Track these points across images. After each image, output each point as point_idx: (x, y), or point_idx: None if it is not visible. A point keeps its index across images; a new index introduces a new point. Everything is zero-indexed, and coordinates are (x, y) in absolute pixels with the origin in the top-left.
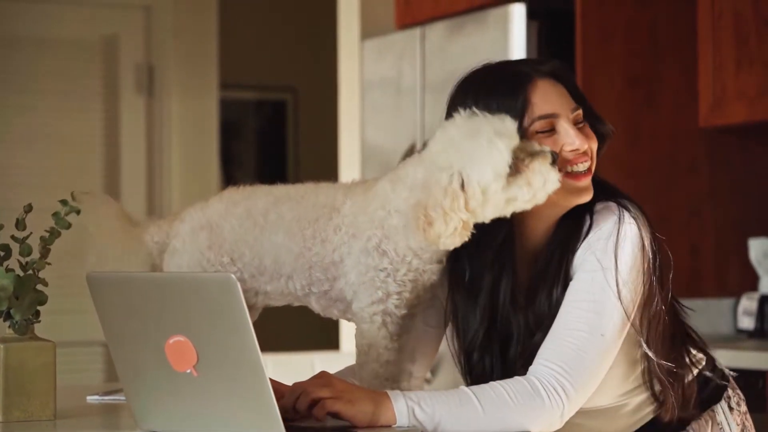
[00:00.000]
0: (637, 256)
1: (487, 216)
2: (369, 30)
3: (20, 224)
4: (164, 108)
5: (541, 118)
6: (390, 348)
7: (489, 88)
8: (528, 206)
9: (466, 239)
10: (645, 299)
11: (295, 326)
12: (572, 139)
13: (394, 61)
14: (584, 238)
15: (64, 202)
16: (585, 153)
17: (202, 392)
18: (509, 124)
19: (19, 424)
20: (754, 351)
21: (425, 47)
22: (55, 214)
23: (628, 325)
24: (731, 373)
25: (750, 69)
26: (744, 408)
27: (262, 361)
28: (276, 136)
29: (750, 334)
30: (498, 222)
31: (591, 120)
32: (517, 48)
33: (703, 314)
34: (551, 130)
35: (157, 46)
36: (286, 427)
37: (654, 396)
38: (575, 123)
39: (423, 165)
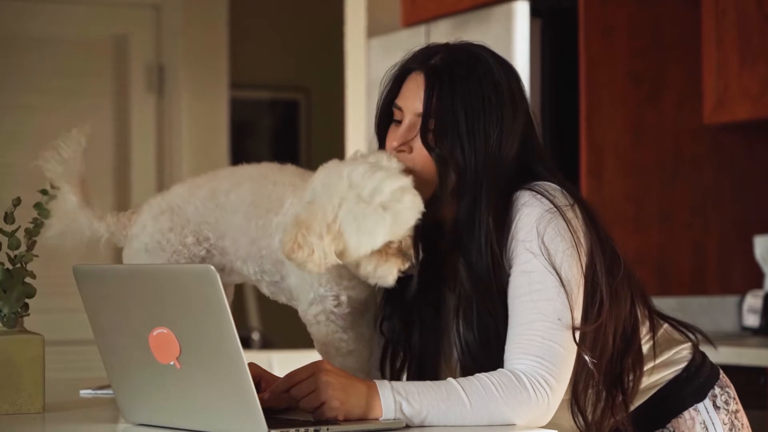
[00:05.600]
0: (554, 237)
1: (338, 264)
2: (375, 28)
3: (9, 218)
4: (174, 107)
5: (395, 106)
6: (346, 339)
7: (385, 82)
8: (362, 278)
9: (318, 272)
10: (585, 293)
11: (300, 324)
12: (394, 136)
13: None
14: (510, 232)
15: (44, 192)
16: (400, 154)
17: (185, 384)
18: (410, 216)
19: (8, 417)
20: (758, 348)
21: None
22: (37, 205)
23: (578, 306)
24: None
25: (753, 66)
26: (734, 407)
27: (241, 352)
28: (289, 135)
29: (755, 332)
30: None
31: (425, 139)
32: (521, 45)
33: (708, 312)
34: (401, 122)
35: (167, 45)
36: (271, 418)
37: (573, 402)
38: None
39: (318, 184)
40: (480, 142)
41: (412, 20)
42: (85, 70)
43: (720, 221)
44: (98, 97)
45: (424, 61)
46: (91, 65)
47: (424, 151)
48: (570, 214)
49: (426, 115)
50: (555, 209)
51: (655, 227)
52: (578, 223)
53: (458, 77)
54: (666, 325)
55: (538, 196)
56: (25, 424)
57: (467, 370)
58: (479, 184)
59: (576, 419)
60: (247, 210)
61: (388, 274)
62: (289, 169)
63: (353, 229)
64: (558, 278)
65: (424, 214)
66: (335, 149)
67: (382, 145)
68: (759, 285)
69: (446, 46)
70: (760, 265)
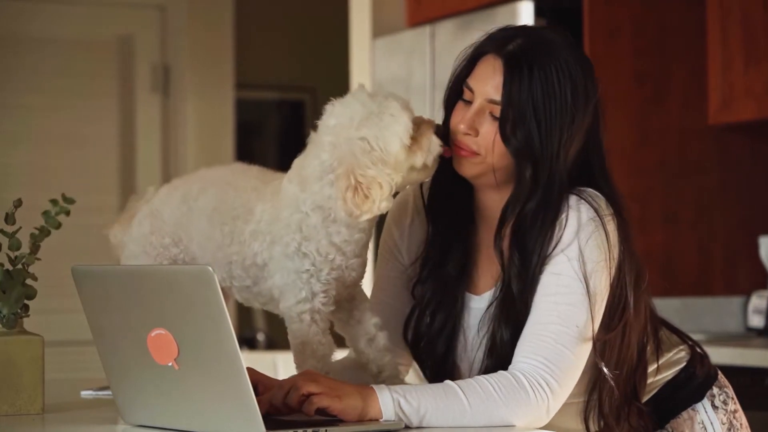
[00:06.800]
0: (593, 247)
1: (399, 183)
2: (380, 29)
3: (10, 219)
4: (180, 108)
5: (466, 85)
6: (324, 343)
7: (460, 59)
8: (423, 175)
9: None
10: (609, 305)
11: None
12: (462, 117)
13: (404, 60)
14: (560, 234)
15: (54, 202)
16: (466, 137)
17: (183, 385)
18: (403, 102)
19: (7, 418)
20: (763, 349)
21: (435, 45)
22: (45, 213)
23: (597, 318)
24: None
25: (758, 66)
26: (733, 407)
27: (239, 353)
28: (295, 135)
29: (759, 333)
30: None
31: (504, 130)
32: None
33: (713, 313)
34: (470, 102)
35: (172, 45)
36: (269, 420)
37: (597, 411)
38: (489, 112)
39: (323, 152)
40: (555, 137)
41: (416, 20)
42: (90, 70)
43: (725, 222)
44: (103, 98)
45: (501, 45)
46: (96, 66)
47: (490, 136)
48: (611, 226)
49: (505, 105)
50: (598, 219)
51: (659, 228)
52: (615, 237)
53: (536, 68)
54: (664, 327)
55: (584, 202)
56: (24, 425)
57: (491, 369)
58: (551, 180)
59: (590, 427)
60: (211, 215)
61: (434, 149)
62: (252, 172)
63: (383, 129)
64: (585, 287)
65: (485, 197)
66: None
67: (447, 120)
68: (764, 286)
69: (523, 30)
70: (765, 266)
